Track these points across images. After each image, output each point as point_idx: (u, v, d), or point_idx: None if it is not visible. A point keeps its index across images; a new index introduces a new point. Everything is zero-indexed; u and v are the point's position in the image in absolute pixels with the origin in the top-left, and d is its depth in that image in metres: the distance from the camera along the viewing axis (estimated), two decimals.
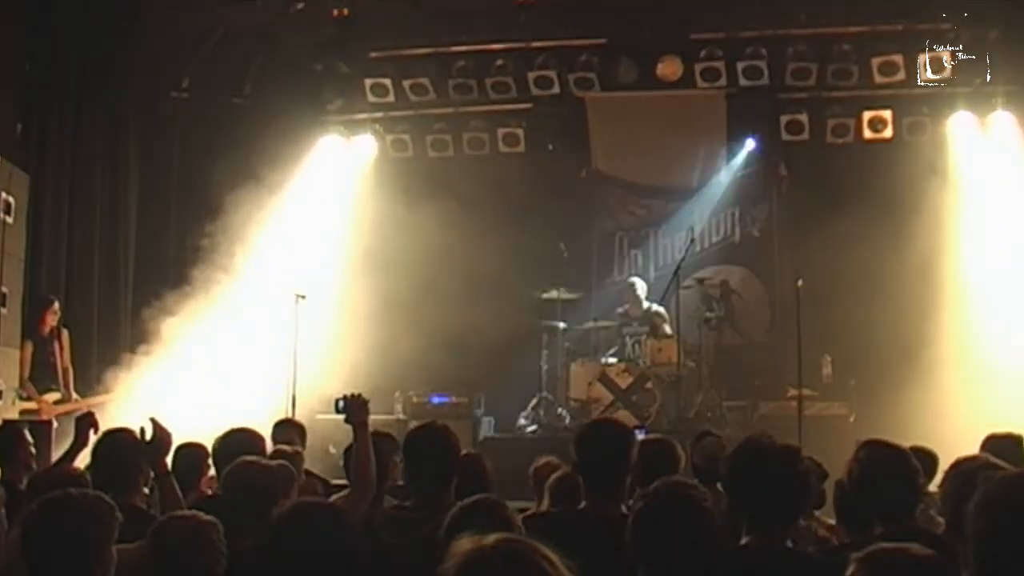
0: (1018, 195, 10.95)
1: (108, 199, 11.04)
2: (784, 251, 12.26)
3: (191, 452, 5.14)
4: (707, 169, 12.58)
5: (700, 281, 11.72)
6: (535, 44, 11.77)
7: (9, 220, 8.88)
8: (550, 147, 12.33)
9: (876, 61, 11.05)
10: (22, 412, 8.78)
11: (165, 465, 4.59)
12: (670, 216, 12.84)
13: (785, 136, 11.81)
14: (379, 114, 12.45)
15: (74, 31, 10.43)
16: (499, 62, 11.81)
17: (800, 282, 9.64)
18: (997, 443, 4.90)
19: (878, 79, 11.17)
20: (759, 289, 12.55)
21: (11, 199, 8.87)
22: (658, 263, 12.79)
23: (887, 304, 10.52)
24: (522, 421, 11.42)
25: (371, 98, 12.04)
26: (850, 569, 2.48)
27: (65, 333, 9.67)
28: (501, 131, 12.24)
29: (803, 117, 11.63)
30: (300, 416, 8.53)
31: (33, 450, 5.32)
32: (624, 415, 10.36)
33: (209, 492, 5.03)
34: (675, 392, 10.90)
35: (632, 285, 11.85)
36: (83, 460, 5.04)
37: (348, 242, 11.82)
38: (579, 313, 12.03)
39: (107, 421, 5.54)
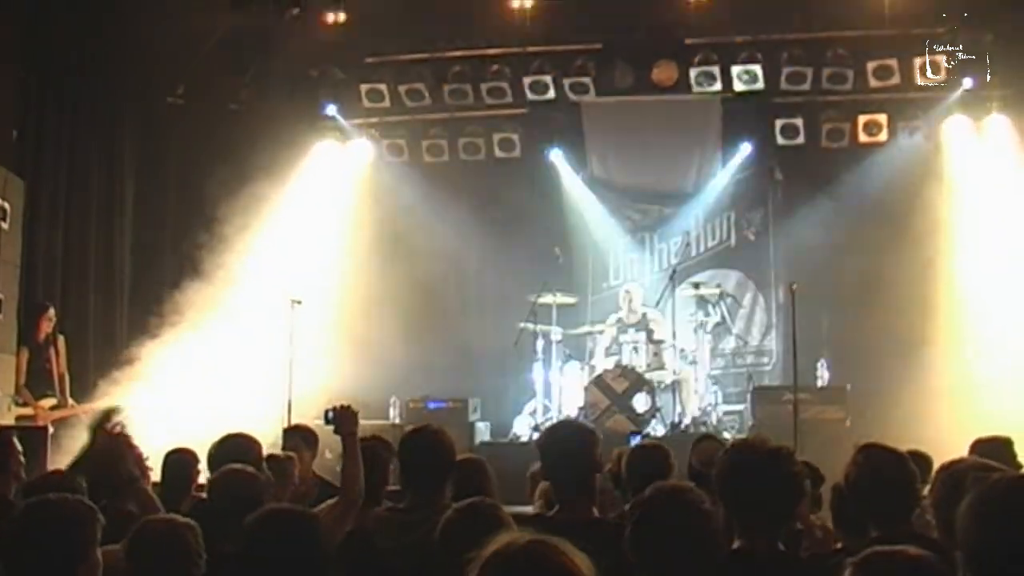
0: (1013, 199, 10.96)
1: (104, 205, 11.04)
2: (780, 255, 12.27)
3: (180, 459, 5.17)
4: (703, 173, 12.61)
5: (696, 285, 11.72)
6: (531, 49, 11.77)
7: (5, 226, 8.90)
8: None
9: (871, 65, 11.07)
10: (18, 418, 8.79)
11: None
12: (666, 221, 12.86)
13: (780, 140, 11.83)
14: (375, 119, 12.46)
15: (70, 37, 10.42)
16: (495, 67, 11.81)
17: (795, 286, 9.64)
18: (985, 447, 4.87)
19: (873, 83, 11.19)
20: (755, 293, 12.56)
21: (7, 205, 8.88)
22: (654, 268, 12.81)
23: (882, 308, 10.55)
24: (518, 427, 11.41)
25: (367, 103, 12.05)
26: (846, 573, 2.47)
27: (61, 339, 9.66)
28: (497, 136, 12.25)
29: (798, 121, 11.64)
30: (296, 421, 8.52)
31: (22, 459, 5.24)
32: (620, 420, 10.38)
33: (204, 496, 5.04)
34: (671, 397, 10.90)
35: (628, 290, 11.85)
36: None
37: (344, 247, 11.82)
38: (575, 318, 12.03)
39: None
